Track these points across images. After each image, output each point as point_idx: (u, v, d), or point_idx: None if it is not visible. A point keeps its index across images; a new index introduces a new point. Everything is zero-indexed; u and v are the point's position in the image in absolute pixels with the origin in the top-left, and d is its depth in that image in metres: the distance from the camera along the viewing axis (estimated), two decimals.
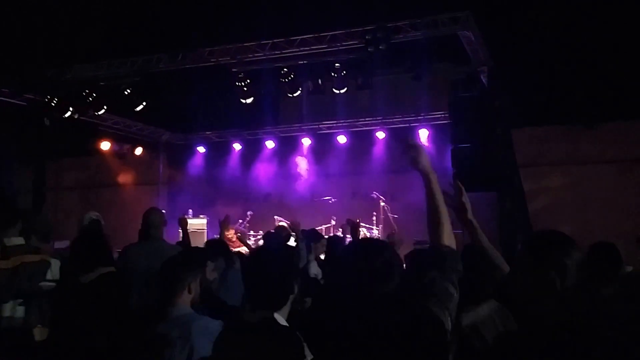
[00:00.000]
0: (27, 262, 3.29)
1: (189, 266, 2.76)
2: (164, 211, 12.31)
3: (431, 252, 1.94)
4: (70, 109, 9.36)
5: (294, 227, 5.23)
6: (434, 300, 1.71)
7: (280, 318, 2.13)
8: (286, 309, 2.19)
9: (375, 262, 1.70)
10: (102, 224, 5.29)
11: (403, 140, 2.10)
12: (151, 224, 4.14)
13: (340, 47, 8.15)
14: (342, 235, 7.13)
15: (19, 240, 3.37)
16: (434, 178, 2.00)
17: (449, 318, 1.70)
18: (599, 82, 8.97)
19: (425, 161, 2.01)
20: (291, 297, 2.19)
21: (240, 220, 11.06)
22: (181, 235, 5.11)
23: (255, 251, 2.57)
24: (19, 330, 3.21)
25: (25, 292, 3.25)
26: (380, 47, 7.60)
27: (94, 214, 5.28)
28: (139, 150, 12.51)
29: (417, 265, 2.31)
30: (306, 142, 12.11)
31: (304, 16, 7.74)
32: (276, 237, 5.61)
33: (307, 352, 2.03)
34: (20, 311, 3.25)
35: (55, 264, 3.51)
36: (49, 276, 3.40)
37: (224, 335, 2.19)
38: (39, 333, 3.21)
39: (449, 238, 1.93)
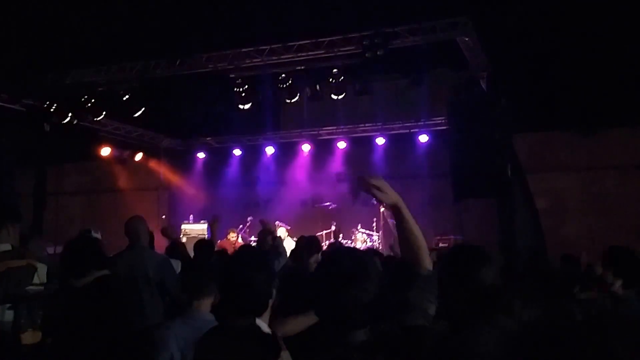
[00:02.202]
0: (13, 267, 3.31)
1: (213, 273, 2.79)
2: (164, 216, 12.30)
3: (411, 275, 1.87)
4: (70, 114, 9.40)
5: (266, 226, 5.28)
6: (412, 315, 1.70)
7: (263, 324, 2.12)
8: (267, 314, 2.17)
9: (347, 266, 1.64)
10: (99, 238, 5.25)
11: (356, 182, 1.96)
12: (134, 233, 4.14)
13: (338, 53, 8.15)
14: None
15: (6, 247, 3.40)
16: (403, 205, 1.90)
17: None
18: (600, 89, 8.91)
19: (391, 192, 1.90)
20: (270, 301, 2.17)
21: (241, 226, 11.04)
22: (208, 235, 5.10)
23: (230, 258, 2.57)
24: (9, 334, 3.22)
25: (13, 297, 3.27)
26: (378, 52, 7.59)
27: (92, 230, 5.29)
28: (139, 156, 12.54)
29: (396, 282, 2.28)
30: (306, 148, 12.11)
31: (301, 22, 7.73)
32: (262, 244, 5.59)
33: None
34: (9, 315, 3.27)
35: (42, 268, 3.53)
36: (35, 280, 3.42)
37: (205, 340, 2.17)
38: (30, 336, 3.22)
39: (428, 260, 1.88)
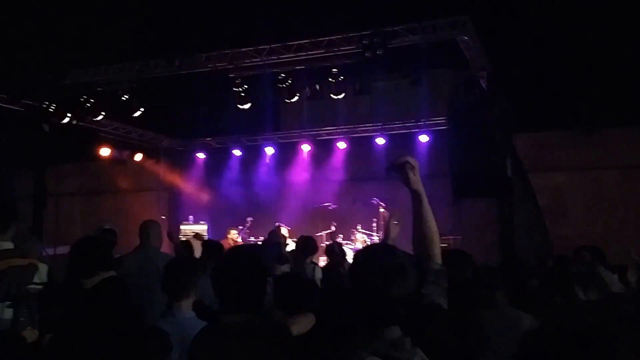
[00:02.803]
0: (14, 265, 3.33)
1: (196, 272, 2.96)
2: (163, 217, 12.31)
3: (424, 270, 1.88)
4: (68, 115, 9.38)
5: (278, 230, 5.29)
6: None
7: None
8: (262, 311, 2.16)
9: (388, 263, 1.66)
10: (115, 232, 5.52)
11: (395, 161, 2.00)
12: (145, 233, 4.36)
13: (338, 52, 8.13)
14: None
15: (9, 245, 3.41)
16: (425, 197, 1.95)
17: None
18: (600, 88, 8.90)
19: (419, 180, 1.96)
20: (266, 298, 2.15)
21: (241, 227, 11.02)
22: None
23: (224, 255, 2.62)
24: (8, 332, 3.22)
25: (14, 295, 3.27)
26: (378, 52, 7.57)
27: (106, 224, 5.51)
28: (139, 156, 12.50)
29: None
30: (306, 148, 12.10)
31: (300, 21, 7.74)
32: (269, 243, 5.60)
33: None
34: (8, 313, 3.27)
35: (43, 268, 3.54)
36: (36, 279, 3.43)
37: (202, 339, 2.16)
38: (29, 335, 3.22)
39: (439, 254, 1.90)
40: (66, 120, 9.45)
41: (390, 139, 11.40)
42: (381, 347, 1.53)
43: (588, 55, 8.51)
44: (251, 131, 12.11)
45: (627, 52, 8.39)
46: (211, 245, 5.13)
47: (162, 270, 4.03)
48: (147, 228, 4.40)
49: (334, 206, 11.05)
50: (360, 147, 11.69)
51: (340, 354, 1.57)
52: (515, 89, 8.60)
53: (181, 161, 13.32)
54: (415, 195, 1.95)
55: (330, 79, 8.51)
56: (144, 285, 3.93)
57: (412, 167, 1.95)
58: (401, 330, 1.60)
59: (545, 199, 10.15)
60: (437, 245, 1.92)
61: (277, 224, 10.36)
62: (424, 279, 1.83)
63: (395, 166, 1.97)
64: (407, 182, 1.94)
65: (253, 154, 12.56)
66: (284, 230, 9.78)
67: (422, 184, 1.96)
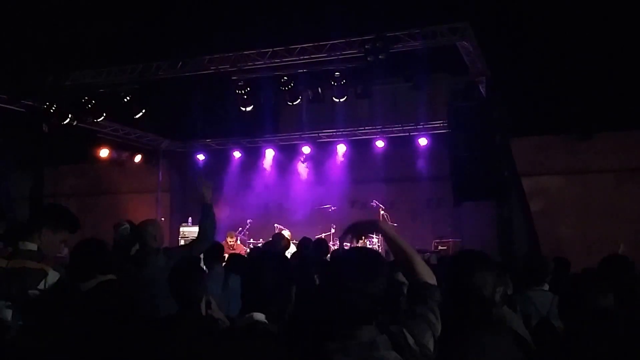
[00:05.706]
0: (26, 267, 3.29)
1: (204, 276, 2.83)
2: (162, 218, 12.22)
3: (413, 287, 1.92)
4: (69, 115, 9.36)
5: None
6: (417, 321, 1.73)
7: (263, 319, 2.13)
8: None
9: (355, 260, 1.72)
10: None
11: (347, 233, 2.08)
12: (143, 236, 3.96)
13: (340, 56, 8.20)
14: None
15: (32, 246, 3.37)
16: (388, 228, 2.03)
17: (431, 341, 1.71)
18: (596, 92, 9.02)
19: (375, 222, 2.08)
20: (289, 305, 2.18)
21: (240, 229, 11.03)
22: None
23: (251, 259, 2.59)
24: (4, 332, 3.20)
25: (15, 297, 3.24)
26: (380, 56, 7.64)
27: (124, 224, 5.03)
28: (138, 158, 12.48)
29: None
30: (306, 150, 12.14)
31: (303, 25, 7.80)
32: (274, 246, 5.60)
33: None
34: (7, 314, 3.24)
35: (54, 276, 3.47)
36: (41, 286, 3.37)
37: (208, 341, 2.19)
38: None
39: (427, 273, 1.90)
40: (66, 121, 9.44)
41: (390, 141, 11.48)
42: (355, 349, 1.55)
43: (584, 61, 8.63)
44: (251, 133, 12.14)
45: (621, 58, 8.52)
46: (213, 250, 4.85)
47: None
48: (142, 229, 3.95)
49: (333, 208, 11.09)
50: (360, 150, 11.76)
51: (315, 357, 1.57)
52: (513, 94, 8.69)
53: (181, 163, 13.31)
54: (382, 232, 2.02)
55: (332, 83, 8.56)
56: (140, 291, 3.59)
57: (365, 226, 2.06)
58: (373, 332, 1.62)
59: (541, 202, 10.24)
60: (418, 262, 1.93)
61: (276, 225, 10.39)
62: (416, 293, 1.85)
63: (351, 229, 2.04)
64: (373, 228, 2.06)
65: (253, 156, 12.58)
66: (287, 233, 9.80)
67: (379, 222, 2.08)
